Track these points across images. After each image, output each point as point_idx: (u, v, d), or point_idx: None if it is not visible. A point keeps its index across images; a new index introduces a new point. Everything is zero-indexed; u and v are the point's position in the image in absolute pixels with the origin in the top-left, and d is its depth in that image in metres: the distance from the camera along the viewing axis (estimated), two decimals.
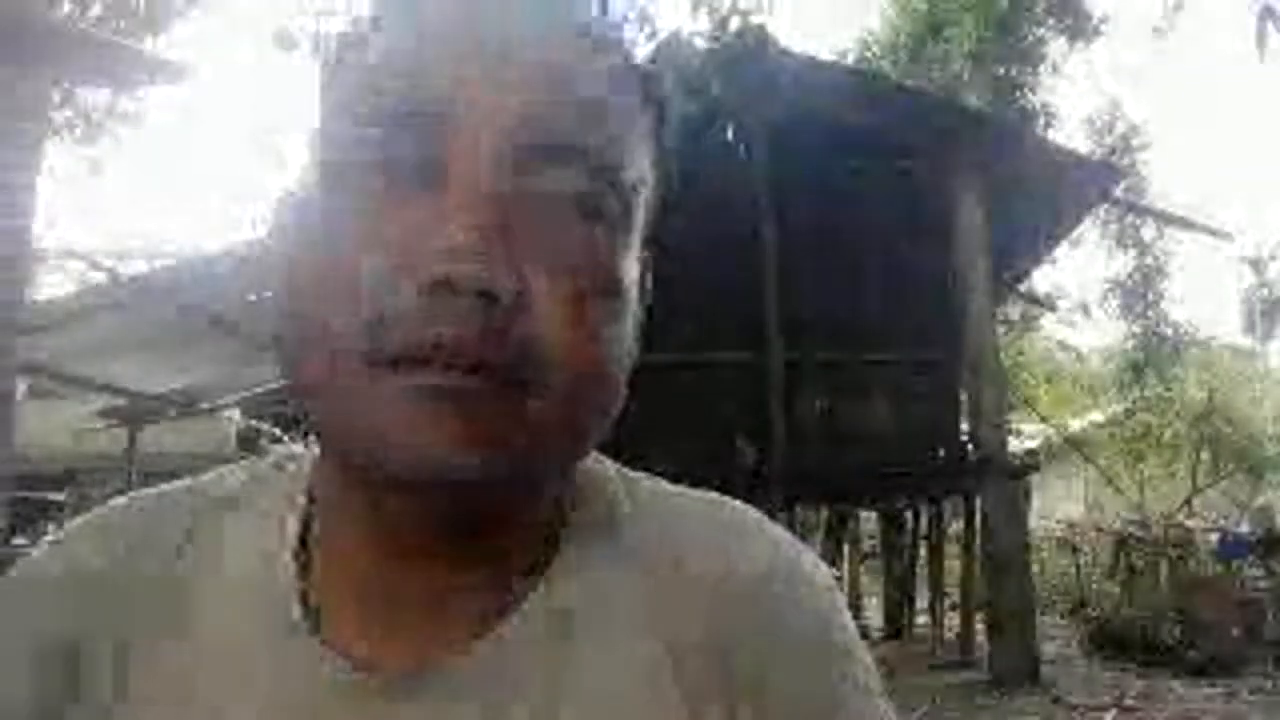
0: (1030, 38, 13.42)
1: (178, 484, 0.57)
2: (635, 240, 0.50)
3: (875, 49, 14.54)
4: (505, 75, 0.45)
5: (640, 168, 0.49)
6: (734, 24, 7.89)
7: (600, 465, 0.58)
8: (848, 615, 0.56)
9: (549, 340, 0.44)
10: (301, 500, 0.54)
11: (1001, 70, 13.28)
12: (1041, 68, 13.65)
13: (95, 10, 9.50)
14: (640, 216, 0.50)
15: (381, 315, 0.43)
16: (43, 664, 0.51)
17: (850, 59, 14.10)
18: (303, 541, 0.53)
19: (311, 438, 0.50)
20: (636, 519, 0.55)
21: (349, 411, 0.44)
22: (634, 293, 0.50)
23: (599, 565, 0.53)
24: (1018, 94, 13.58)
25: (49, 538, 0.56)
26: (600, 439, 0.50)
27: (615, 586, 0.52)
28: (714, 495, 0.60)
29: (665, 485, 0.59)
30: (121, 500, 0.57)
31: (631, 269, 0.49)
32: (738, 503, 0.59)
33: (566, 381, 0.45)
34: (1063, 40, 13.73)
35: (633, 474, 0.59)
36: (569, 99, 0.46)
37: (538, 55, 0.46)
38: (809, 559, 0.57)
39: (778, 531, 0.58)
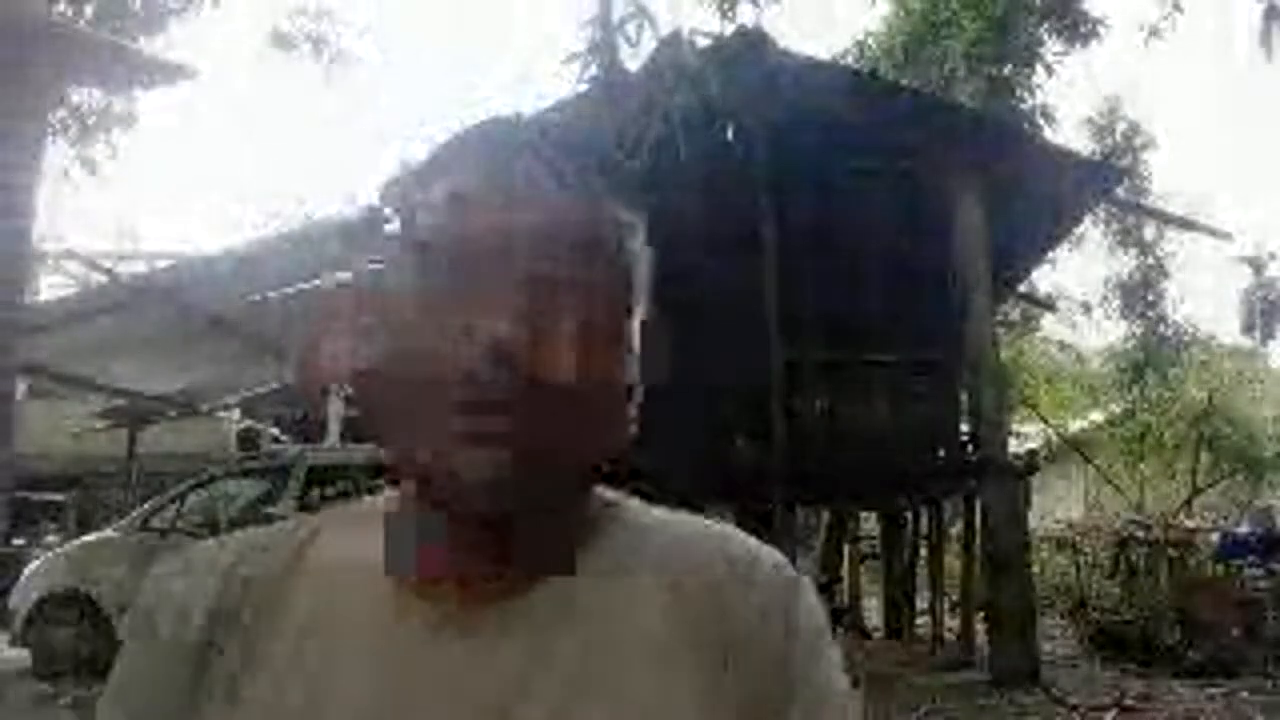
0: (1028, 38, 13.40)
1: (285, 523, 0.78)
2: (630, 308, 0.69)
3: (873, 49, 14.52)
4: (517, 219, 0.65)
5: (627, 260, 0.69)
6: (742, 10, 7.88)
7: (620, 493, 0.76)
8: (819, 604, 0.73)
9: (564, 381, 0.63)
10: (376, 524, 0.71)
11: (999, 70, 13.26)
12: (1039, 68, 13.63)
13: (90, 9, 9.49)
14: (632, 290, 0.69)
15: (447, 381, 0.62)
16: (207, 627, 0.68)
17: (849, 59, 14.09)
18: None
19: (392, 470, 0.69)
20: (651, 518, 0.75)
21: (427, 450, 0.63)
22: (631, 346, 0.68)
23: (621, 543, 0.71)
24: (1016, 94, 13.56)
25: (211, 543, 0.75)
26: (613, 455, 0.68)
27: (633, 556, 0.70)
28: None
29: (669, 510, 0.77)
30: (242, 536, 0.76)
31: (629, 329, 0.69)
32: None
33: (577, 415, 0.64)
34: (1061, 40, 13.71)
35: (639, 501, 0.77)
36: (561, 233, 0.66)
37: (538, 205, 0.66)
38: (784, 560, 0.74)
39: (754, 540, 0.75)
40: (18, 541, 12.18)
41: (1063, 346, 21.14)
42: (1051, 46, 13.76)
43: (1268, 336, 18.84)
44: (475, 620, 0.66)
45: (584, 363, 0.64)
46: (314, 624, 0.68)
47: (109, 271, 8.65)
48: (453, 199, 0.67)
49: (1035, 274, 13.44)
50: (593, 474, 0.71)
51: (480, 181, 0.67)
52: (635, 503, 0.76)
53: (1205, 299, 37.77)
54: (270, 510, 8.45)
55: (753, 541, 0.74)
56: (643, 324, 0.71)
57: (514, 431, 0.62)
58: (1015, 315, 15.81)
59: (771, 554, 0.73)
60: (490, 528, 0.66)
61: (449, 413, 0.62)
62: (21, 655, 8.74)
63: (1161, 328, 17.48)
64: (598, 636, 0.67)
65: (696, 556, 0.71)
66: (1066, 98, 23.98)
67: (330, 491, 8.53)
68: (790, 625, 0.70)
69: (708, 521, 0.76)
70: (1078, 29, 13.55)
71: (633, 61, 7.26)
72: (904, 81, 12.07)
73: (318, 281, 7.71)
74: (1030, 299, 15.22)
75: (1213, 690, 7.68)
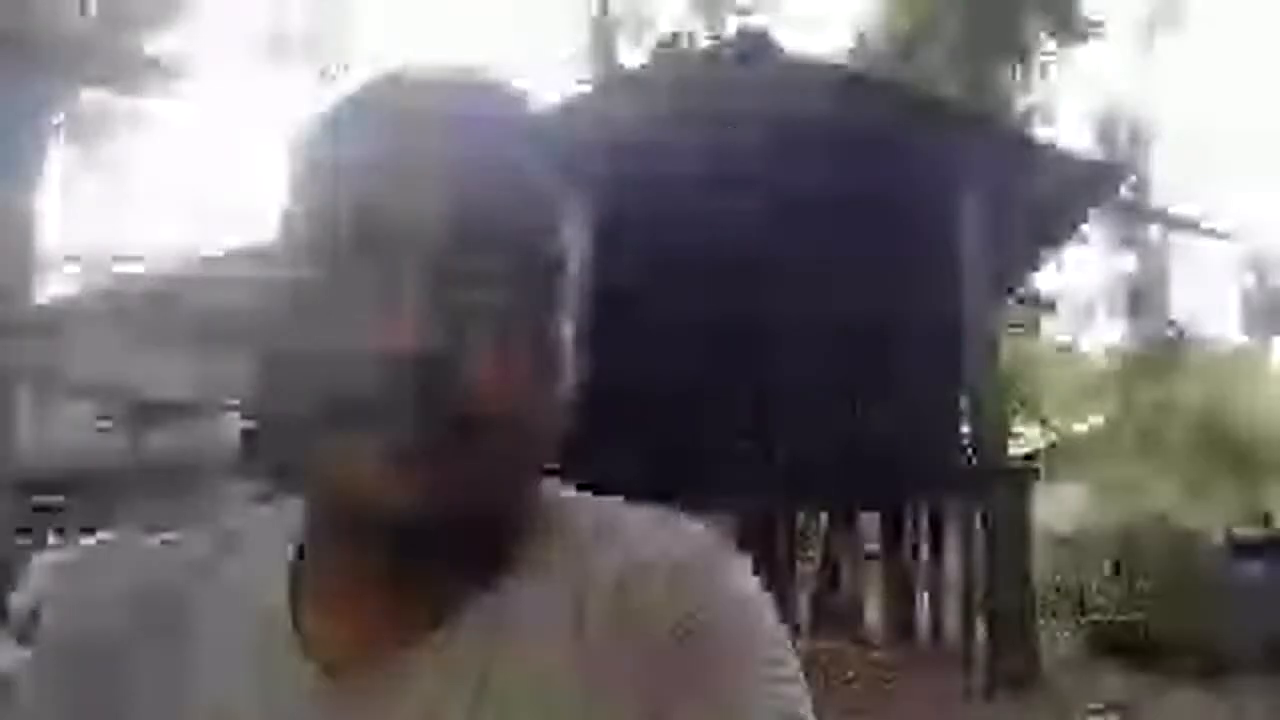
0: (1027, 37, 13.42)
1: (200, 527, 0.70)
2: (561, 302, 0.59)
3: (871, 48, 14.54)
4: (438, 185, 0.55)
5: (561, 245, 0.59)
6: (731, 24, 7.91)
7: (555, 489, 0.66)
8: (745, 593, 0.61)
9: (486, 394, 0.54)
10: (294, 538, 0.64)
11: (999, 70, 13.27)
12: (1038, 67, 13.64)
13: (92, 10, 9.50)
14: (564, 283, 0.59)
15: (351, 387, 0.53)
16: (86, 665, 0.62)
17: (847, 59, 14.10)
18: (296, 571, 0.63)
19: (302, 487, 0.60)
20: (582, 533, 0.63)
21: (328, 467, 0.54)
22: (563, 345, 0.59)
23: (541, 573, 0.61)
24: (1015, 94, 13.58)
25: (91, 567, 0.68)
26: (540, 468, 0.61)
27: (551, 590, 0.60)
28: (663, 511, 0.66)
29: (616, 505, 0.66)
30: (155, 539, 0.69)
31: (558, 327, 0.59)
32: (681, 517, 0.65)
33: (504, 428, 0.55)
34: (1057, 39, 13.73)
35: (583, 496, 0.67)
36: (492, 202, 0.56)
37: (469, 166, 0.56)
38: (719, 556, 0.63)
39: (699, 535, 0.64)
40: (20, 542, 12.17)
41: (1064, 347, 21.12)
42: (1047, 45, 13.78)
43: (1268, 336, 18.84)
44: (369, 677, 0.58)
45: (514, 373, 0.55)
46: (196, 668, 0.60)
47: (110, 273, 8.64)
48: (351, 165, 0.56)
49: (1036, 274, 13.44)
50: (519, 494, 0.61)
51: (392, 143, 0.56)
52: (572, 505, 0.65)
53: (1205, 299, 37.74)
54: None
55: (685, 544, 0.62)
56: (576, 323, 0.61)
57: (436, 459, 0.53)
58: (1016, 316, 15.79)
59: (709, 567, 0.61)
60: (402, 563, 0.57)
61: (357, 438, 0.53)
62: (23, 656, 8.75)
63: (1163, 328, 17.47)
64: (495, 678, 0.58)
65: (608, 579, 0.60)
66: (1069, 97, 23.97)
67: None
68: (704, 643, 0.58)
69: (652, 521, 0.64)
70: (1074, 28, 13.56)
71: (630, 62, 7.26)
72: (905, 82, 12.07)
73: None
74: (1031, 299, 15.21)
75: (1214, 691, 7.67)
